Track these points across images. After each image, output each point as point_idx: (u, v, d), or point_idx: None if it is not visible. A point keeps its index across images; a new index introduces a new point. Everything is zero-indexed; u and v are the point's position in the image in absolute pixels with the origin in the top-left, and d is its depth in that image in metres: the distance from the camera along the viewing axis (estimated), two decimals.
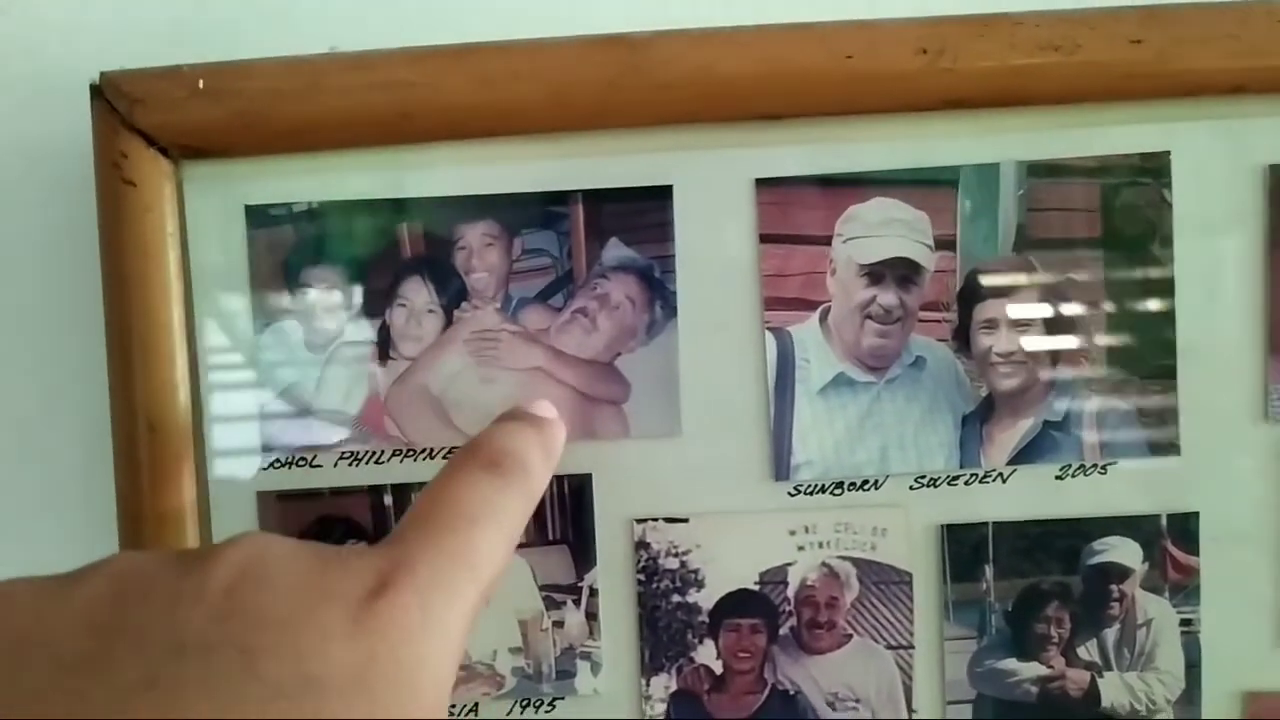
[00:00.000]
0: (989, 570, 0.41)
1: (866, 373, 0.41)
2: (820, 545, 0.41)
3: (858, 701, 0.42)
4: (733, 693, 0.42)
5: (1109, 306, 0.41)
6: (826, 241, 0.41)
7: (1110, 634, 0.42)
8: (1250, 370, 0.41)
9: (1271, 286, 0.41)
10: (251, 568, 0.24)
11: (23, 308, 0.43)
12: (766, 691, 0.42)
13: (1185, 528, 0.41)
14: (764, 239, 0.41)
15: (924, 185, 0.41)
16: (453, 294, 0.41)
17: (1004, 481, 0.41)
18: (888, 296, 0.41)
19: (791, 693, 0.42)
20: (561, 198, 0.41)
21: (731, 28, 0.38)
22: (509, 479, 0.30)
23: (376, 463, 0.41)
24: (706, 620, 0.41)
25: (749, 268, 0.41)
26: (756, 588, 0.41)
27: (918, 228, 0.41)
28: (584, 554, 0.41)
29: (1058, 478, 0.41)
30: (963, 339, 0.41)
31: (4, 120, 0.43)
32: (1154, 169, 0.41)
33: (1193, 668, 0.41)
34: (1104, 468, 0.41)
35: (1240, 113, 0.40)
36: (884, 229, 0.41)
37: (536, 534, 0.41)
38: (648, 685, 0.42)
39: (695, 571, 0.41)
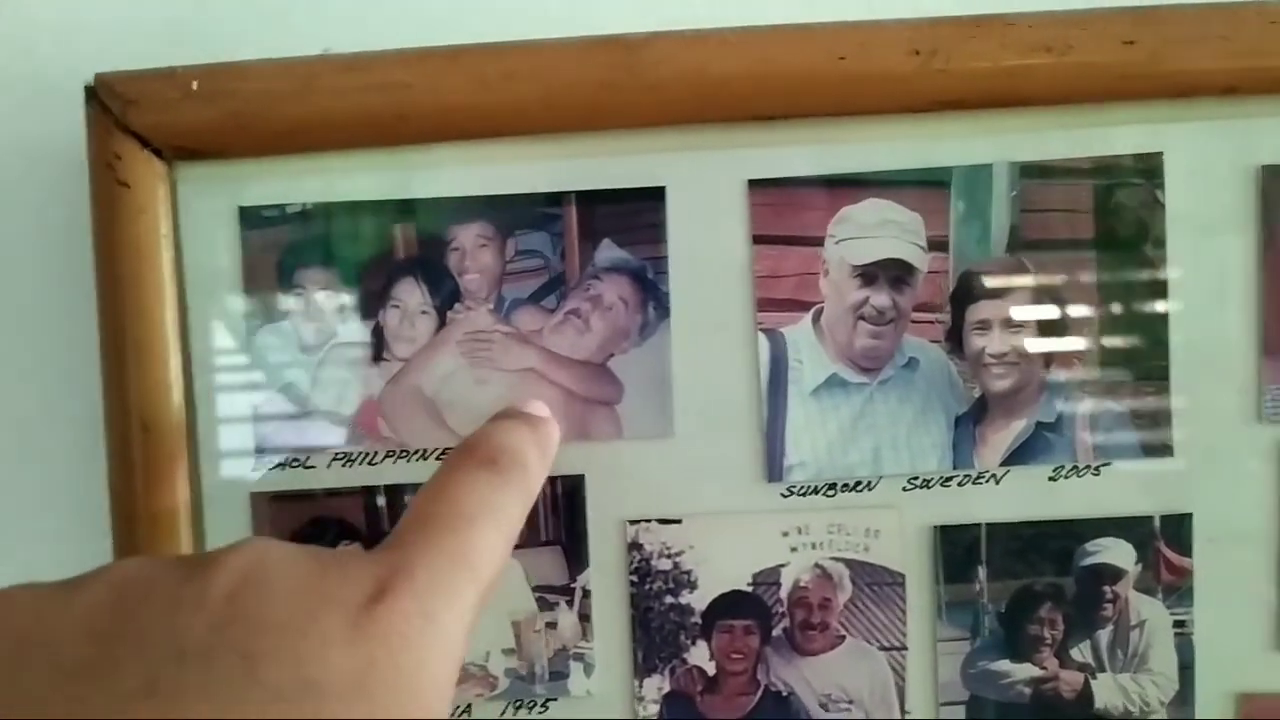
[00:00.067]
0: (982, 571, 0.41)
1: (859, 374, 0.41)
2: (813, 546, 0.41)
3: (851, 703, 0.41)
4: (725, 694, 0.42)
5: (1102, 308, 0.41)
6: (819, 242, 0.41)
7: (1103, 635, 0.41)
8: (1244, 371, 0.41)
9: (1265, 287, 0.41)
10: (252, 573, 0.24)
11: (16, 309, 0.43)
12: (759, 693, 0.42)
13: (1179, 529, 0.41)
14: (757, 240, 0.41)
15: (917, 186, 0.41)
16: (446, 295, 0.41)
17: (997, 483, 0.41)
18: (881, 298, 0.41)
19: (784, 694, 0.42)
20: (554, 199, 0.41)
21: (724, 29, 0.38)
22: (506, 476, 0.30)
23: (370, 464, 0.41)
24: (699, 621, 0.41)
25: (742, 269, 0.41)
26: (749, 589, 0.41)
27: (911, 229, 0.41)
28: (577, 555, 0.41)
29: (1051, 479, 0.41)
30: (956, 340, 0.41)
31: None
32: (1147, 170, 0.41)
33: (1186, 669, 0.41)
34: (1097, 469, 0.41)
35: (1233, 113, 0.40)
36: (877, 230, 0.41)
37: (529, 535, 0.41)
38: (640, 686, 0.42)
39: (688, 573, 0.41)
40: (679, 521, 0.41)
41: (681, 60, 0.38)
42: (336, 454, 0.41)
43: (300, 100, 0.38)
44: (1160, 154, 0.40)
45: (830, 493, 0.41)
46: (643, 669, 0.42)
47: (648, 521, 0.41)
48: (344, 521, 0.41)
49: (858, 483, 0.41)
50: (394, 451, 0.41)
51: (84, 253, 0.39)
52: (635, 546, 0.41)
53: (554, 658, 0.41)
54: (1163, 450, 0.41)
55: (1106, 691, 0.41)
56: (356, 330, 0.41)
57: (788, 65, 0.38)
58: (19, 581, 0.25)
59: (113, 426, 0.39)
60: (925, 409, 0.41)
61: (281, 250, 0.41)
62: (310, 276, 0.41)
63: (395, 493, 0.41)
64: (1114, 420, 0.41)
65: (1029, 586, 0.41)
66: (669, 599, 0.41)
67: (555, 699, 0.42)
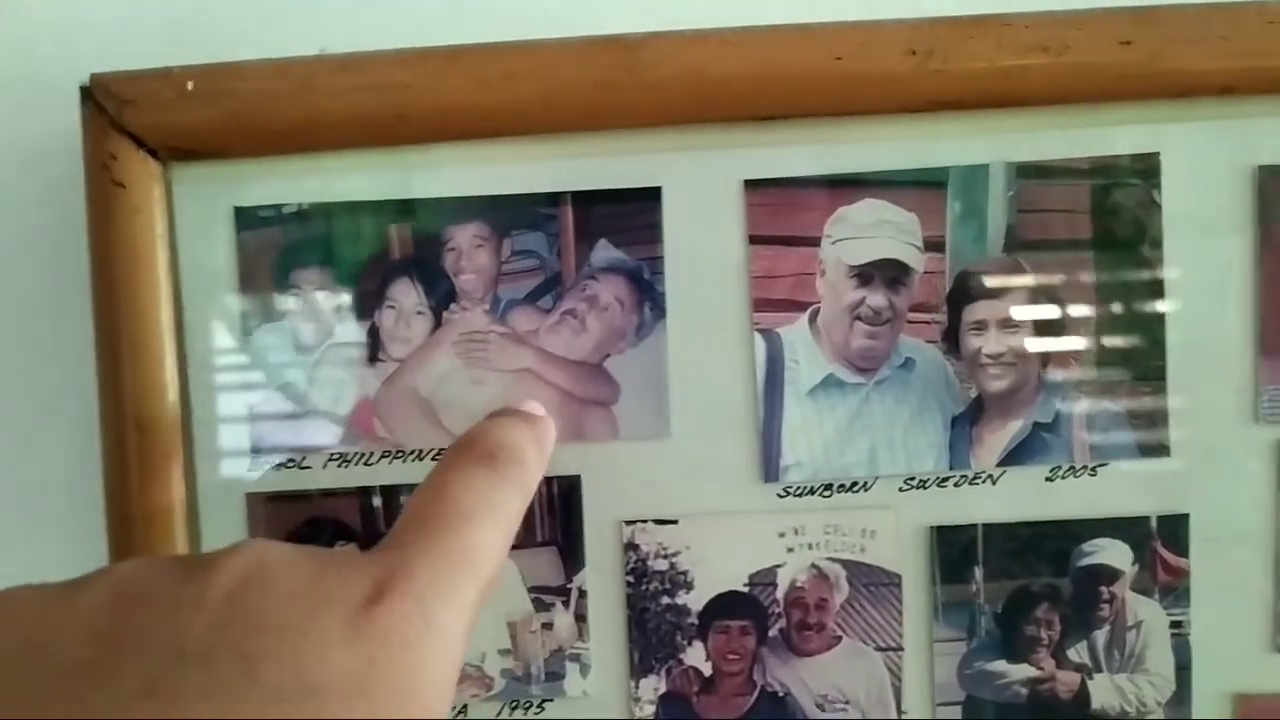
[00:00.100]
0: (979, 572, 0.41)
1: (856, 374, 0.41)
2: (809, 547, 0.41)
3: (847, 703, 0.41)
4: (722, 694, 0.42)
5: (1099, 308, 0.41)
6: (816, 243, 0.41)
7: (1100, 636, 0.41)
8: (1241, 371, 0.41)
9: (1262, 287, 0.41)
10: (251, 574, 0.24)
11: (12, 309, 0.43)
12: (756, 693, 0.42)
13: (1176, 529, 0.41)
14: (753, 240, 0.41)
15: (914, 186, 0.41)
16: (442, 295, 0.41)
17: (994, 483, 0.41)
18: (877, 298, 0.41)
19: (781, 694, 0.42)
20: (551, 199, 0.41)
21: (722, 29, 0.38)
22: (504, 473, 0.30)
23: (366, 464, 0.41)
24: (696, 622, 0.41)
25: (738, 269, 0.41)
26: (746, 589, 0.41)
27: (907, 229, 0.41)
28: (573, 556, 0.41)
29: (1048, 479, 0.41)
30: (952, 340, 0.41)
31: None
32: (1144, 170, 0.40)
33: (1183, 670, 0.41)
34: (1094, 469, 0.41)
35: (1230, 113, 0.40)
36: (873, 230, 0.41)
37: (525, 536, 0.41)
38: (637, 687, 0.42)
39: (684, 573, 0.41)
40: (675, 522, 0.41)
41: (679, 60, 0.38)
42: (332, 454, 0.41)
43: (296, 100, 0.38)
44: (1157, 154, 0.40)
45: (826, 493, 0.41)
46: (639, 670, 0.42)
47: (644, 522, 0.41)
48: (340, 522, 0.41)
49: (854, 483, 0.41)
50: (390, 452, 0.41)
51: (80, 253, 0.39)
52: (631, 547, 0.41)
53: (550, 658, 0.41)
54: (1160, 450, 0.41)
55: (1103, 692, 0.41)
56: (352, 331, 0.41)
57: (785, 65, 0.38)
58: (15, 581, 0.25)
59: (108, 426, 0.39)
60: (922, 409, 0.41)
61: (277, 250, 0.41)
62: (306, 277, 0.41)
63: (391, 493, 0.41)
64: (1111, 420, 0.41)
65: (1026, 587, 0.41)
66: (665, 599, 0.41)
67: (551, 700, 0.42)
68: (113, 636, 0.23)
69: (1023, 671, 0.42)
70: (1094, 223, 0.41)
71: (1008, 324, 0.41)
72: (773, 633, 0.41)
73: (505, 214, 0.41)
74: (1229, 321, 0.41)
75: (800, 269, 0.41)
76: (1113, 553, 0.41)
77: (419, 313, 0.41)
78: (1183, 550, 0.41)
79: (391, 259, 0.41)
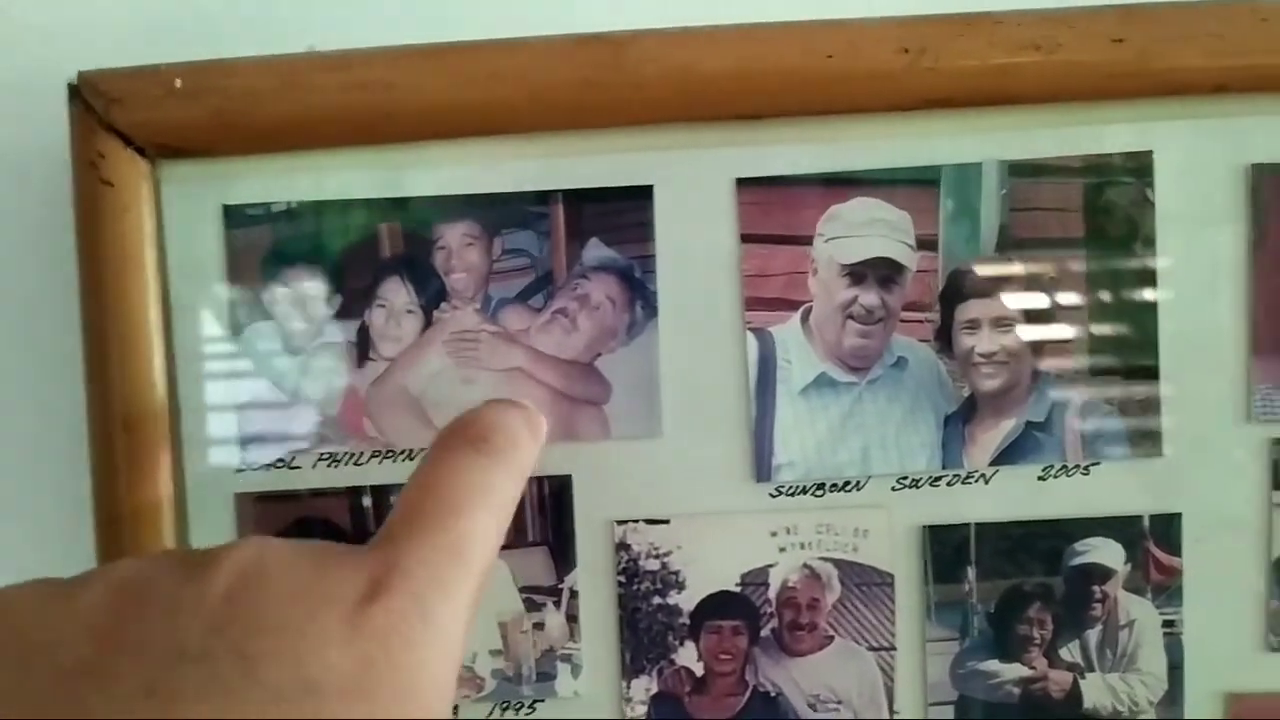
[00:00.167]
0: (971, 571, 0.41)
1: (848, 373, 0.41)
2: (802, 546, 0.41)
3: (839, 703, 0.41)
4: (714, 695, 0.41)
5: (1092, 307, 0.41)
6: (808, 241, 0.41)
7: (1092, 635, 0.41)
8: (1233, 370, 0.41)
9: (1254, 286, 0.40)
10: (249, 574, 0.24)
11: (0, 308, 0.43)
12: (748, 693, 0.41)
13: (1168, 528, 0.41)
14: (745, 239, 0.41)
15: (906, 185, 0.41)
16: (432, 294, 0.41)
17: (986, 482, 0.41)
18: (869, 297, 0.41)
19: (773, 694, 0.41)
20: (541, 198, 0.40)
21: (712, 27, 0.38)
22: (497, 457, 0.29)
23: (355, 464, 0.41)
24: (687, 622, 0.41)
25: (730, 268, 0.41)
26: (738, 589, 0.41)
27: (900, 227, 0.41)
28: (564, 556, 0.41)
29: (1040, 478, 0.41)
30: (945, 339, 0.41)
31: None
32: (1136, 168, 0.40)
33: (1175, 669, 0.41)
34: (1086, 468, 0.41)
35: (1223, 112, 0.40)
36: (866, 229, 0.41)
37: (516, 536, 0.41)
38: (628, 687, 0.41)
39: (676, 573, 0.41)
40: (667, 522, 0.41)
41: (669, 58, 0.38)
42: (322, 454, 0.41)
43: (285, 98, 0.38)
44: (1150, 152, 0.40)
45: (819, 492, 0.41)
46: (630, 670, 0.41)
47: (635, 522, 0.41)
48: (329, 522, 0.40)
49: (846, 482, 0.41)
50: (380, 452, 0.41)
51: (68, 252, 0.39)
52: (623, 547, 0.41)
53: (541, 659, 0.41)
54: (1152, 450, 0.41)
55: (1095, 691, 0.41)
56: (342, 330, 0.41)
57: (776, 63, 0.38)
58: (4, 579, 0.25)
59: (95, 426, 0.39)
60: (914, 408, 0.41)
61: (266, 249, 0.40)
62: (295, 275, 0.41)
63: (381, 493, 0.41)
64: (1104, 419, 0.41)
65: (1018, 586, 0.41)
66: (657, 599, 0.41)
67: (542, 700, 0.41)
68: (112, 637, 0.23)
69: (1015, 671, 0.41)
70: (1087, 221, 0.41)
71: (1000, 323, 0.41)
72: (765, 633, 0.41)
73: (496, 212, 0.40)
74: (1221, 320, 0.41)
75: (792, 268, 0.41)
76: (1105, 552, 0.41)
77: (409, 311, 0.41)
78: (1175, 549, 0.41)
79: (381, 257, 0.41)
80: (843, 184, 0.41)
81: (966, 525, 0.41)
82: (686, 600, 0.41)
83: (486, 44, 0.38)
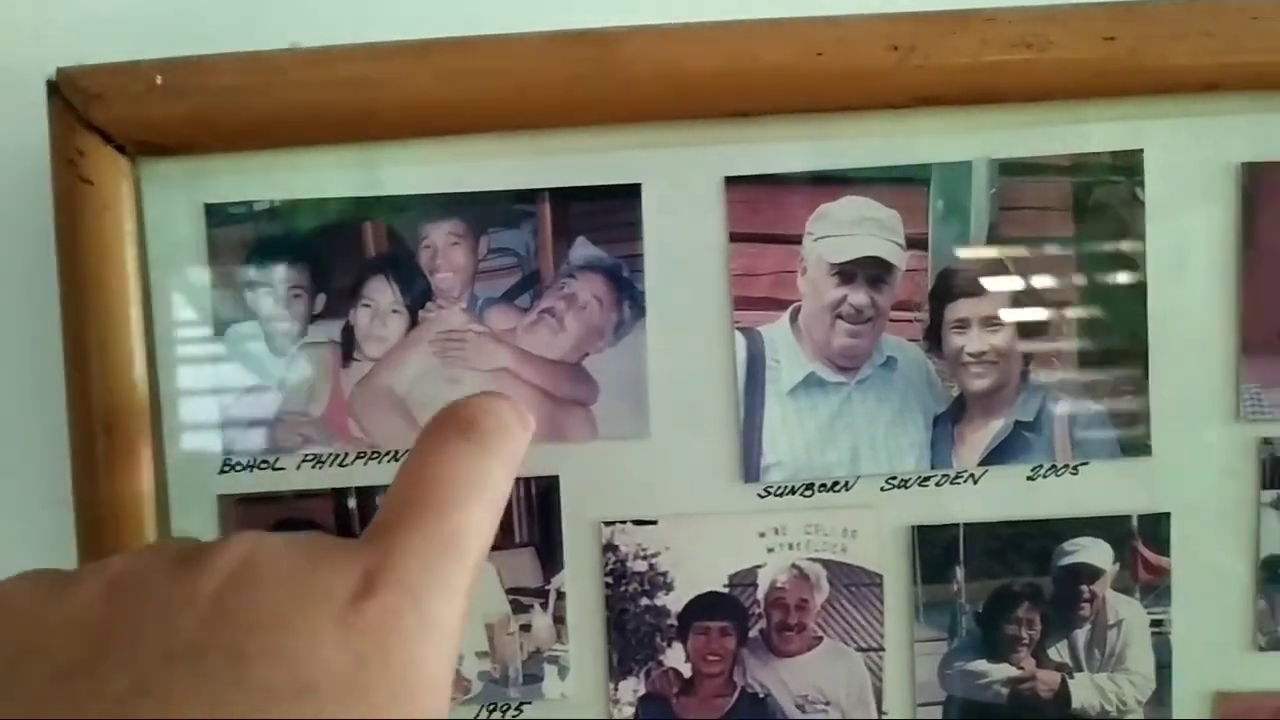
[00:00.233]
0: (960, 571, 0.41)
1: (837, 373, 0.41)
2: (790, 547, 0.41)
3: (828, 704, 0.41)
4: (702, 696, 0.41)
5: (1081, 305, 0.41)
6: (797, 240, 0.40)
7: (1081, 635, 0.41)
8: (1222, 369, 0.41)
9: (1244, 285, 0.40)
10: (242, 570, 0.24)
11: None
12: (736, 694, 0.41)
13: (1157, 528, 0.41)
14: (734, 238, 0.40)
15: (895, 183, 0.40)
16: (418, 294, 0.40)
17: (975, 482, 0.41)
18: (859, 296, 0.41)
19: (761, 695, 0.41)
20: (528, 196, 0.40)
21: (700, 24, 0.38)
22: (488, 445, 0.28)
23: (340, 465, 0.40)
24: (675, 623, 0.41)
25: (718, 267, 0.40)
26: (726, 590, 0.41)
27: (889, 226, 0.40)
28: (551, 557, 0.41)
29: (1029, 478, 0.41)
30: (934, 339, 0.41)
31: None
32: (1127, 167, 0.40)
33: (1163, 668, 0.41)
34: (1075, 468, 0.41)
35: (1213, 110, 0.40)
36: (855, 228, 0.40)
37: (503, 537, 0.40)
38: (616, 689, 0.41)
39: (664, 574, 0.41)
40: (655, 522, 0.41)
41: (657, 55, 0.37)
42: (306, 455, 0.40)
43: (267, 95, 0.37)
44: (1140, 151, 0.40)
45: (808, 493, 0.41)
46: (618, 671, 0.41)
47: (623, 523, 0.41)
48: (314, 524, 0.40)
49: (835, 483, 0.41)
50: (365, 453, 0.40)
51: (47, 250, 0.38)
52: (610, 548, 0.41)
53: (528, 660, 0.41)
54: (1141, 449, 0.41)
55: (1084, 691, 0.41)
56: (326, 330, 0.40)
57: (765, 61, 0.38)
58: None
59: (76, 428, 0.38)
60: (903, 408, 0.41)
61: (249, 248, 0.40)
62: (278, 275, 0.40)
63: (366, 495, 0.40)
64: (1092, 419, 0.41)
65: (1007, 586, 0.41)
66: (644, 600, 0.41)
67: (529, 702, 0.41)
68: (104, 635, 0.23)
69: (1003, 671, 0.41)
70: (1076, 220, 0.41)
71: (990, 322, 0.41)
72: (753, 633, 0.41)
73: (482, 211, 0.40)
74: (1210, 319, 0.41)
75: (781, 267, 0.41)
76: (1094, 551, 0.41)
77: (394, 311, 0.40)
78: (1163, 549, 0.41)
79: (366, 257, 0.40)
80: (832, 182, 0.40)
81: (955, 525, 0.41)
82: (674, 601, 0.41)
83: (472, 40, 0.37)
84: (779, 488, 0.41)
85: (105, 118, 0.37)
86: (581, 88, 0.38)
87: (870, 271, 0.40)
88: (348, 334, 0.40)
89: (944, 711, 0.41)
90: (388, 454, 0.40)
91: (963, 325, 0.41)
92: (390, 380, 0.40)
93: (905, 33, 0.37)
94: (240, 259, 0.40)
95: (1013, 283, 0.41)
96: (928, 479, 0.41)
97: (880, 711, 0.41)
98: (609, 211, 0.40)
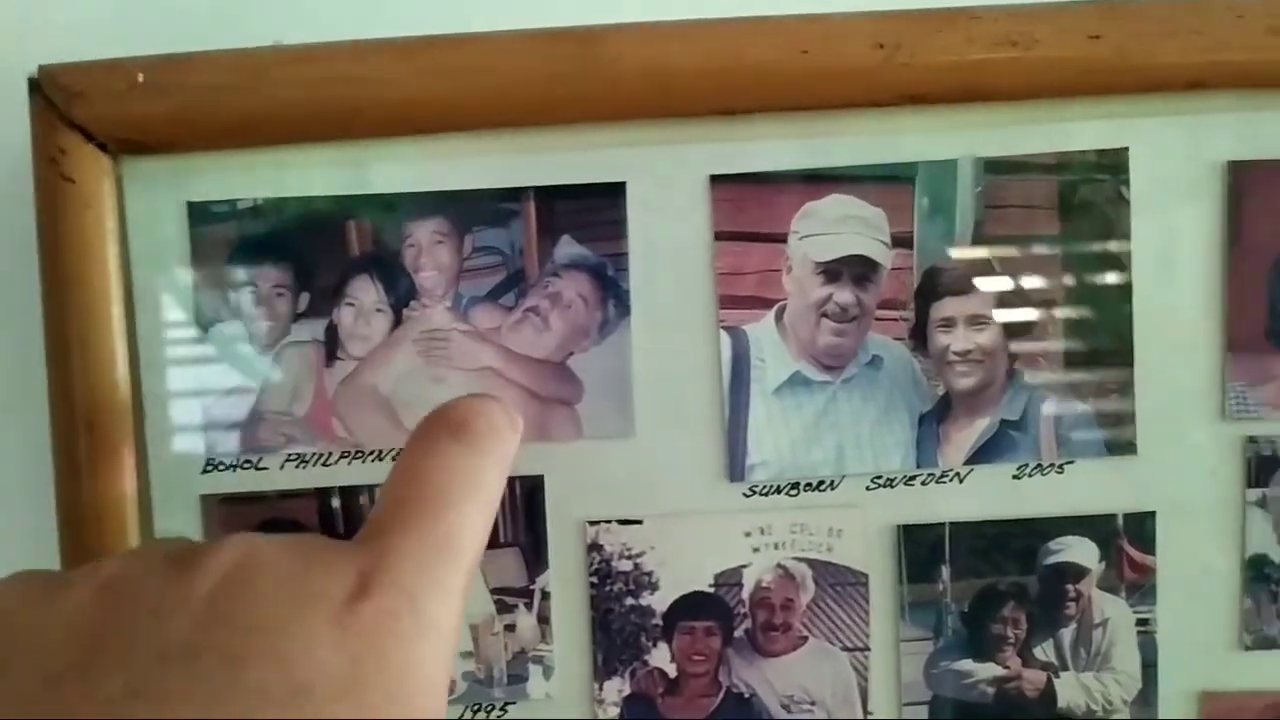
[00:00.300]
0: (946, 571, 0.41)
1: (822, 372, 0.41)
2: (776, 547, 0.41)
3: (813, 704, 0.41)
4: (687, 696, 0.41)
5: (1066, 304, 0.41)
6: (782, 239, 0.40)
7: (1066, 634, 0.41)
8: (1208, 368, 0.41)
9: (1230, 284, 0.40)
10: (235, 573, 0.24)
11: None
12: (721, 694, 0.41)
13: (1142, 527, 0.41)
14: (719, 236, 0.40)
15: (881, 182, 0.40)
16: (402, 293, 0.40)
17: (961, 481, 0.41)
18: (844, 295, 0.40)
19: (746, 695, 0.41)
20: (513, 195, 0.40)
21: (685, 21, 0.38)
22: (480, 445, 0.28)
23: (324, 465, 0.40)
24: (660, 623, 0.41)
25: (703, 265, 0.40)
26: (711, 590, 0.41)
27: (875, 225, 0.40)
28: (536, 556, 0.41)
29: (1015, 477, 0.41)
30: (920, 337, 0.41)
31: None
32: (1112, 165, 0.40)
33: (1149, 668, 0.41)
34: (1061, 467, 0.41)
35: (1199, 108, 0.40)
36: (841, 226, 0.40)
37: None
38: (601, 689, 0.41)
39: (649, 574, 0.41)
40: (640, 522, 0.41)
41: (642, 53, 0.37)
42: (290, 455, 0.40)
43: (250, 93, 0.37)
44: (1126, 149, 0.40)
45: (793, 492, 0.41)
46: (603, 671, 0.41)
47: (608, 522, 0.41)
48: (297, 524, 0.40)
49: (820, 482, 0.41)
50: (349, 452, 0.40)
51: (29, 249, 0.38)
52: (595, 548, 0.41)
53: (512, 661, 0.41)
54: (1126, 448, 0.41)
55: (1069, 690, 0.41)
56: (310, 329, 0.40)
57: (750, 59, 0.37)
58: None
59: (58, 427, 0.38)
60: (889, 407, 0.41)
61: (232, 247, 0.40)
62: (262, 274, 0.40)
63: (350, 495, 0.40)
64: (1078, 418, 0.41)
65: (992, 586, 0.41)
66: (629, 600, 0.41)
67: (514, 702, 0.41)
68: (97, 638, 0.23)
69: (989, 670, 0.41)
70: (1062, 218, 0.40)
71: (975, 321, 0.41)
72: (738, 633, 0.41)
73: (466, 210, 0.40)
74: (1196, 318, 0.40)
75: (766, 265, 0.40)
76: (1079, 551, 0.41)
77: (378, 310, 0.40)
78: (1149, 548, 0.41)
79: (350, 256, 0.40)
80: (817, 181, 0.40)
81: (941, 525, 0.41)
82: (659, 601, 0.41)
83: (456, 38, 0.37)
84: (764, 487, 0.41)
85: (87, 116, 0.37)
86: (566, 86, 0.37)
87: (856, 270, 0.40)
88: (331, 333, 0.40)
89: (930, 711, 0.41)
90: (372, 454, 0.40)
91: (948, 324, 0.41)
92: (374, 379, 0.40)
93: (891, 31, 0.37)
94: (223, 258, 0.40)
95: (998, 281, 0.40)
96: (913, 478, 0.41)
97: (866, 711, 0.41)
98: (594, 210, 0.40)
